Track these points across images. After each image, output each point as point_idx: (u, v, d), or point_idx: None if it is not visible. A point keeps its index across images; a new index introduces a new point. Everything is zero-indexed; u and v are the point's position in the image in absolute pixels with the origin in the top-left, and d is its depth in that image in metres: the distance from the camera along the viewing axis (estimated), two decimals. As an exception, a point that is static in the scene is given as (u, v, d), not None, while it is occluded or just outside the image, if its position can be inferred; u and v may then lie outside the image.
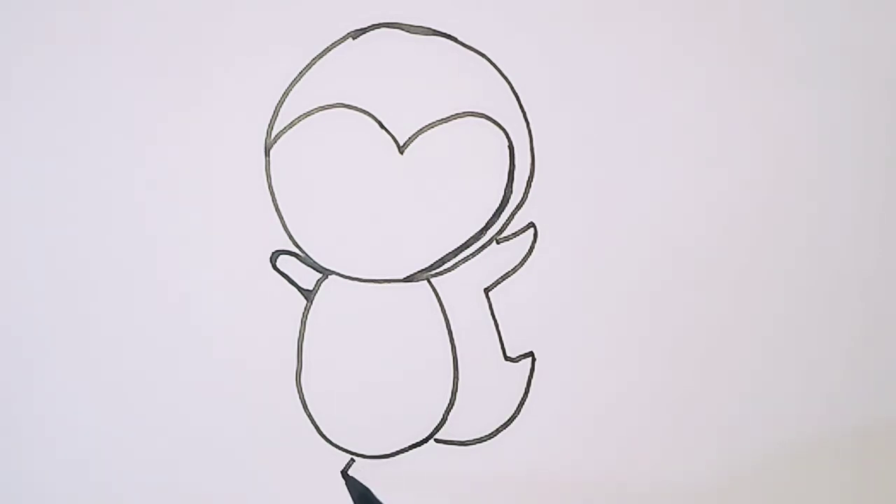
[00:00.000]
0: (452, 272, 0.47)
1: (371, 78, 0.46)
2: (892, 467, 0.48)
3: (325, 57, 0.45)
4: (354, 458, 0.47)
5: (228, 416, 0.47)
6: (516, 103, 0.46)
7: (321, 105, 0.46)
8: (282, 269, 0.46)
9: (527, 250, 0.47)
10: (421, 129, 0.46)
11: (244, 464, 0.47)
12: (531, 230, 0.47)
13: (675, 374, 0.48)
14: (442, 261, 0.47)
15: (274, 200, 0.46)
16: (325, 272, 0.47)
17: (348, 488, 0.47)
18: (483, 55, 0.46)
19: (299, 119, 0.46)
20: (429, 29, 0.46)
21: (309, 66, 0.45)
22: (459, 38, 0.46)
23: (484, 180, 0.46)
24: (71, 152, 0.46)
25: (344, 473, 0.47)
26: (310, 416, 0.47)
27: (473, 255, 0.47)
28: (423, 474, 0.48)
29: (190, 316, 0.46)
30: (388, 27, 0.46)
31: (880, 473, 0.48)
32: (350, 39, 0.46)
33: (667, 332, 0.47)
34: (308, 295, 0.47)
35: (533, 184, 0.46)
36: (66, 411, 0.47)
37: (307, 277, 0.47)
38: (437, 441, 0.47)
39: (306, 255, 0.46)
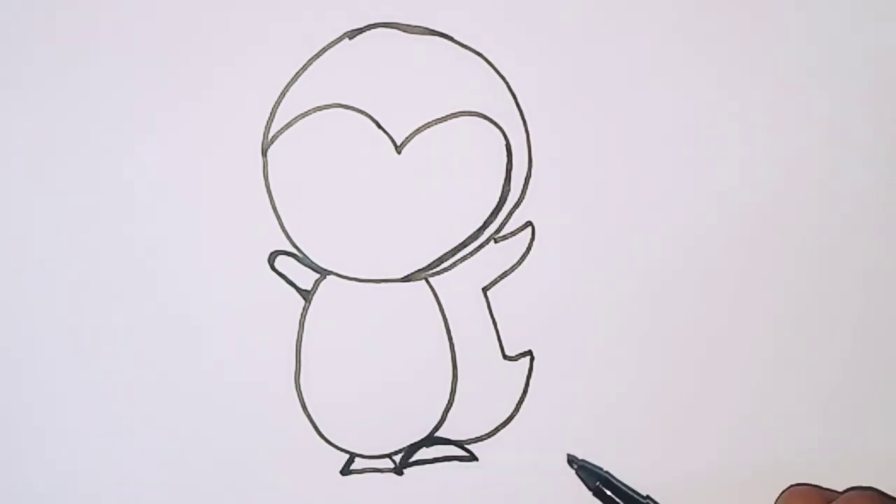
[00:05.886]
0: (450, 271, 0.47)
1: (368, 78, 0.46)
2: (892, 468, 0.48)
3: (321, 57, 0.46)
4: (354, 457, 0.48)
5: (226, 417, 0.47)
6: (513, 102, 0.46)
7: (318, 105, 0.46)
8: (280, 269, 0.46)
9: (525, 249, 0.47)
10: (418, 129, 0.46)
11: (243, 465, 0.47)
12: (529, 229, 0.47)
13: (675, 373, 0.48)
14: (440, 260, 0.47)
15: (271, 201, 0.46)
16: (323, 272, 0.47)
17: (584, 478, 0.45)
18: (480, 54, 0.46)
19: (296, 119, 0.46)
20: (425, 28, 0.46)
21: (305, 67, 0.45)
22: (456, 38, 0.46)
23: (481, 179, 0.46)
24: (63, 154, 0.46)
25: (574, 461, 0.46)
26: (308, 416, 0.47)
27: (471, 254, 0.47)
28: (422, 473, 0.48)
29: (188, 317, 0.46)
30: (385, 27, 0.46)
31: (881, 474, 0.48)
32: (346, 39, 0.46)
33: (667, 331, 0.47)
34: (306, 295, 0.47)
35: (530, 182, 0.46)
36: (61, 414, 0.47)
37: (305, 278, 0.47)
38: (437, 440, 0.48)
39: (304, 255, 0.46)
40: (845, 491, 0.45)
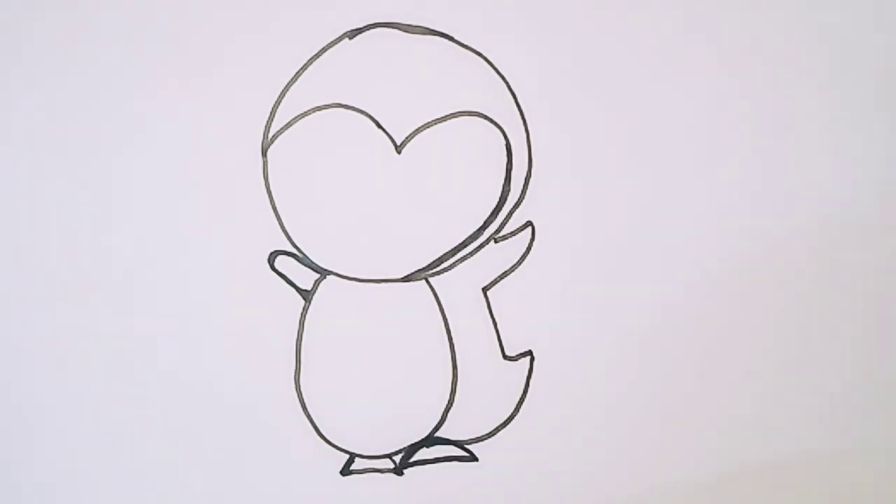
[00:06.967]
0: (451, 271, 0.47)
1: (368, 78, 0.46)
2: (892, 469, 0.48)
3: (321, 57, 0.45)
4: (354, 457, 0.48)
5: (227, 417, 0.47)
6: (513, 102, 0.46)
7: (318, 105, 0.46)
8: (280, 269, 0.46)
9: (525, 249, 0.47)
10: (418, 129, 0.46)
11: (244, 465, 0.47)
12: (529, 229, 0.47)
13: (675, 373, 0.48)
14: (440, 260, 0.47)
15: (272, 201, 0.46)
16: (323, 272, 0.47)
17: None
18: (479, 54, 0.46)
19: (296, 119, 0.46)
20: (425, 28, 0.46)
21: (305, 67, 0.45)
22: (456, 38, 0.46)
23: (481, 179, 0.46)
24: (65, 154, 0.46)
25: None
26: (308, 416, 0.47)
27: (471, 254, 0.47)
28: (422, 473, 0.48)
29: (188, 317, 0.46)
30: (385, 27, 0.46)
31: (880, 474, 0.48)
32: (346, 39, 0.46)
33: (667, 330, 0.47)
34: (306, 295, 0.47)
35: (530, 182, 0.46)
36: (61, 414, 0.47)
37: (305, 278, 0.47)
38: (437, 440, 0.48)
39: (304, 255, 0.46)
40: None
